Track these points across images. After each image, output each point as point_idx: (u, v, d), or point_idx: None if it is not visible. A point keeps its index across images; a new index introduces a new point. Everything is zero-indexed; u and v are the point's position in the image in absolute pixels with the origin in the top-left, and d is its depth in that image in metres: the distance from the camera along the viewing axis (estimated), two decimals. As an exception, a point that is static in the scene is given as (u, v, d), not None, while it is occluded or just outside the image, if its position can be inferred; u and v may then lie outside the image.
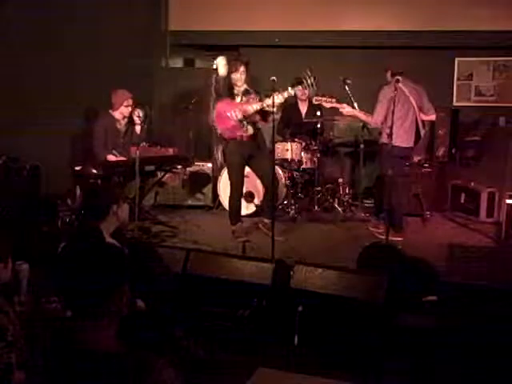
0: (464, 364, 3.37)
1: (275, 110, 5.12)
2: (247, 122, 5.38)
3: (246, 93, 5.44)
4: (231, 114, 5.39)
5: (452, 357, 3.43)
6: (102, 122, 5.93)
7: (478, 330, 3.58)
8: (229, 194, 5.77)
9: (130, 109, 5.86)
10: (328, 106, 6.12)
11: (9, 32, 5.66)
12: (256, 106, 5.32)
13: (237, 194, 5.63)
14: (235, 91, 5.47)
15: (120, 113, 5.92)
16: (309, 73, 5.32)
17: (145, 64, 7.71)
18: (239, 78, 5.39)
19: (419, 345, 3.55)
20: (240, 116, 5.36)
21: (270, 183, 5.42)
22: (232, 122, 5.40)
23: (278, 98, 5.12)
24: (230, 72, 5.43)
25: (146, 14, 7.79)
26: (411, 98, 5.66)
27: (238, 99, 5.47)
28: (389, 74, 5.81)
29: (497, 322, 3.62)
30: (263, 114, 5.42)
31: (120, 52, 6.88)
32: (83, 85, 6.30)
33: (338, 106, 5.93)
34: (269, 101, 5.12)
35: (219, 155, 5.62)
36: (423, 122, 5.84)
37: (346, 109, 5.87)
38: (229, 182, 6.67)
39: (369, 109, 5.92)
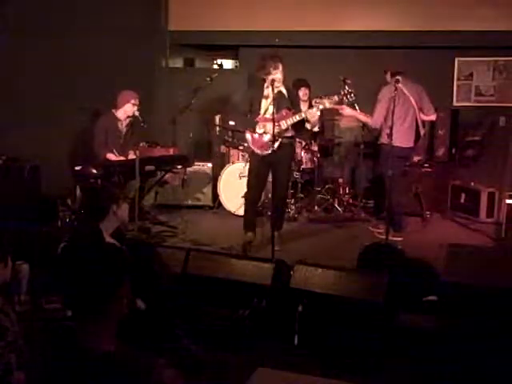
0: (464, 364, 3.37)
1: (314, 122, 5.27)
2: (278, 137, 5.07)
3: (279, 96, 5.14)
4: (265, 132, 5.19)
5: (452, 357, 3.43)
6: (104, 120, 5.93)
7: (478, 329, 3.57)
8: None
9: (135, 108, 5.82)
10: (328, 106, 6.11)
11: (9, 31, 5.65)
12: (289, 122, 5.08)
13: (250, 200, 5.42)
14: (267, 92, 5.18)
15: (124, 112, 5.91)
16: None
17: (145, 64, 7.71)
18: (278, 77, 5.08)
19: (419, 345, 3.55)
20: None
21: (281, 197, 5.38)
22: (265, 140, 5.19)
23: (310, 114, 5.11)
24: (267, 74, 5.09)
25: (145, 13, 7.79)
26: (411, 98, 5.66)
27: (269, 101, 5.17)
28: (388, 75, 5.82)
29: (497, 322, 3.62)
30: (295, 125, 5.20)
31: (120, 52, 6.88)
32: (83, 85, 6.30)
33: (337, 107, 5.93)
34: (303, 115, 5.09)
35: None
36: (423, 121, 5.84)
37: (345, 110, 5.86)
38: (229, 182, 6.72)
39: (369, 108, 5.94)
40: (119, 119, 5.95)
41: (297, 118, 5.11)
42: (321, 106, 5.18)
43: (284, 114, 5.04)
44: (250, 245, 5.26)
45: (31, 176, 5.60)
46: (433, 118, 6.00)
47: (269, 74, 5.09)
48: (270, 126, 5.13)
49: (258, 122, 5.22)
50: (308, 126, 5.24)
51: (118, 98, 5.91)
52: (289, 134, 5.18)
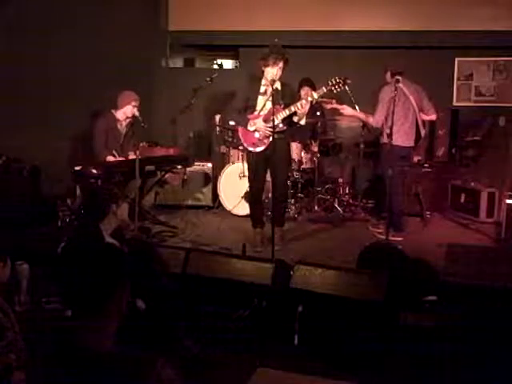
0: (464, 364, 3.37)
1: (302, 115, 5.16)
2: (270, 133, 5.06)
3: (275, 93, 5.03)
4: (256, 130, 5.23)
5: (452, 356, 3.43)
6: (104, 121, 5.92)
7: (478, 329, 3.57)
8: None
9: (135, 109, 5.81)
10: (328, 107, 6.12)
11: (9, 31, 5.65)
12: (279, 117, 5.07)
13: (253, 197, 5.54)
14: (263, 89, 5.22)
15: (123, 113, 5.90)
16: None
17: (145, 64, 7.71)
18: (275, 73, 5.09)
19: (419, 344, 3.55)
20: (266, 130, 5.15)
21: (281, 194, 5.38)
22: (256, 137, 5.24)
23: (298, 106, 5.05)
24: (265, 65, 5.14)
25: (146, 14, 7.80)
26: (411, 98, 5.67)
27: (264, 98, 5.19)
28: (388, 75, 5.83)
29: (497, 322, 3.62)
30: (287, 119, 5.18)
31: (120, 52, 6.88)
32: (83, 85, 6.30)
33: (338, 107, 5.91)
34: (292, 108, 5.05)
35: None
36: (423, 121, 5.84)
37: (346, 110, 5.86)
38: (229, 182, 6.73)
39: (368, 108, 5.94)
40: (118, 120, 5.94)
41: (286, 112, 5.11)
42: (309, 98, 5.15)
43: (274, 110, 4.99)
44: (262, 241, 5.35)
45: (31, 176, 5.60)
46: (433, 117, 6.01)
47: (266, 66, 5.12)
48: (260, 123, 5.17)
49: (249, 120, 5.25)
50: (295, 118, 5.21)
51: (118, 99, 5.89)
52: (280, 129, 5.16)
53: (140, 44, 7.46)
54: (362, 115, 5.96)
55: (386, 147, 5.45)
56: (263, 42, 7.54)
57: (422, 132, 5.84)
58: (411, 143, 5.77)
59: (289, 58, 5.20)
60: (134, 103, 5.83)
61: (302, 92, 6.76)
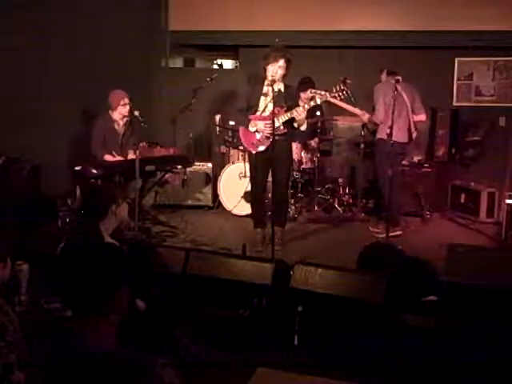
0: (464, 364, 3.37)
1: (302, 121, 5.12)
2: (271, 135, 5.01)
3: (277, 94, 5.05)
4: (256, 131, 5.22)
5: (452, 357, 3.43)
6: (101, 122, 5.91)
7: (478, 329, 3.57)
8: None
9: (127, 107, 5.80)
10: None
11: (8, 32, 5.65)
12: (280, 120, 5.07)
13: (254, 197, 5.52)
14: (266, 89, 5.18)
15: (119, 113, 5.89)
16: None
17: (145, 64, 7.71)
18: (275, 71, 5.07)
19: (419, 345, 3.55)
20: (266, 132, 5.13)
21: (282, 195, 5.38)
22: (257, 137, 5.22)
23: (297, 112, 5.02)
24: (266, 63, 5.10)
25: (146, 13, 7.79)
26: (406, 98, 5.75)
27: (268, 99, 5.15)
28: (384, 75, 5.90)
29: (497, 322, 3.62)
30: (288, 122, 5.16)
31: (120, 52, 6.87)
32: (83, 85, 6.30)
33: (358, 112, 6.00)
34: (295, 112, 5.02)
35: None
36: (414, 123, 5.90)
37: (365, 116, 5.95)
38: (229, 182, 6.73)
39: (369, 108, 5.95)
40: (115, 120, 5.92)
41: (288, 115, 5.09)
42: (312, 103, 5.14)
43: (276, 112, 4.99)
44: (263, 242, 5.34)
45: (31, 176, 5.60)
46: (422, 118, 6.05)
47: (267, 63, 5.10)
48: (260, 124, 5.17)
49: (251, 120, 5.24)
50: (295, 124, 5.21)
51: (109, 99, 5.86)
52: (282, 131, 5.15)
53: (140, 44, 7.46)
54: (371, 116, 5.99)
55: (383, 142, 5.50)
56: (263, 42, 7.57)
57: (414, 133, 5.89)
58: (405, 139, 5.83)
59: (291, 57, 5.17)
60: (122, 102, 5.80)
61: (304, 95, 6.75)
